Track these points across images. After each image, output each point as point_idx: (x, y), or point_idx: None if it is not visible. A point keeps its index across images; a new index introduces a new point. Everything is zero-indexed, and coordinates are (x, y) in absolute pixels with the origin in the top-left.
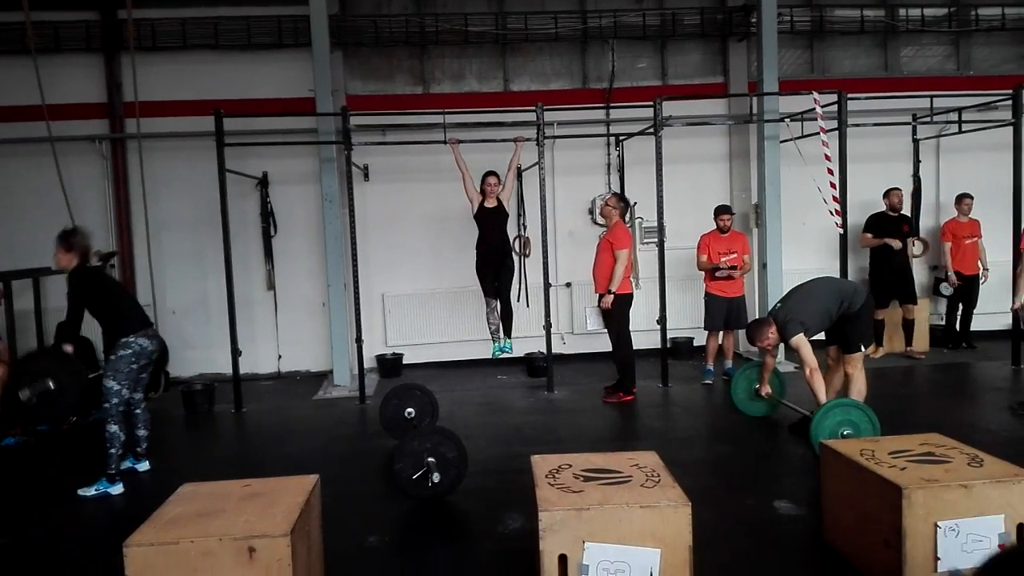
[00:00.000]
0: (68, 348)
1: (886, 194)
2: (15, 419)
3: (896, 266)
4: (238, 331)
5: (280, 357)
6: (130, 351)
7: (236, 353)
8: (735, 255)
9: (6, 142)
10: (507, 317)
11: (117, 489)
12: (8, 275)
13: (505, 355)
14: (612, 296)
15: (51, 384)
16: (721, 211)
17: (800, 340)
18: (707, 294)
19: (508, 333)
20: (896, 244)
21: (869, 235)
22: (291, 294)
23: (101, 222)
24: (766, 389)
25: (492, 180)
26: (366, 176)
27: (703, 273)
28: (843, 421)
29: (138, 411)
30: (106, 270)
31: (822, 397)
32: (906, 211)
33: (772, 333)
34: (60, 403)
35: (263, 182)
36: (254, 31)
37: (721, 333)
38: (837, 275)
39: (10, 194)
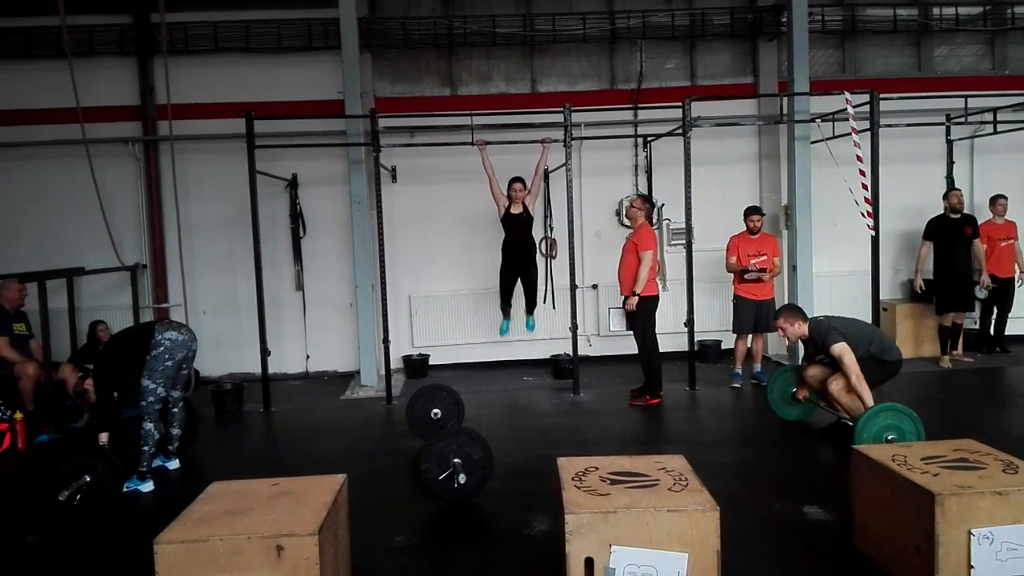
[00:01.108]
0: (103, 438)
1: (945, 195)
2: (48, 417)
3: (961, 273)
4: (267, 331)
5: (308, 357)
6: (162, 348)
7: (265, 353)
8: (765, 257)
9: (41, 144)
10: (531, 294)
11: (148, 487)
12: (43, 275)
13: (523, 336)
14: (636, 298)
15: (88, 479)
16: (751, 212)
17: (843, 348)
18: (736, 296)
19: (531, 310)
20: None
21: (928, 243)
22: (319, 295)
23: (134, 223)
24: (803, 392)
25: (518, 187)
26: (394, 178)
27: (732, 275)
28: (890, 426)
29: (175, 410)
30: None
31: (869, 401)
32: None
33: (797, 327)
34: (99, 494)
35: (292, 183)
36: (284, 34)
37: (750, 336)
38: (869, 277)
39: (45, 195)
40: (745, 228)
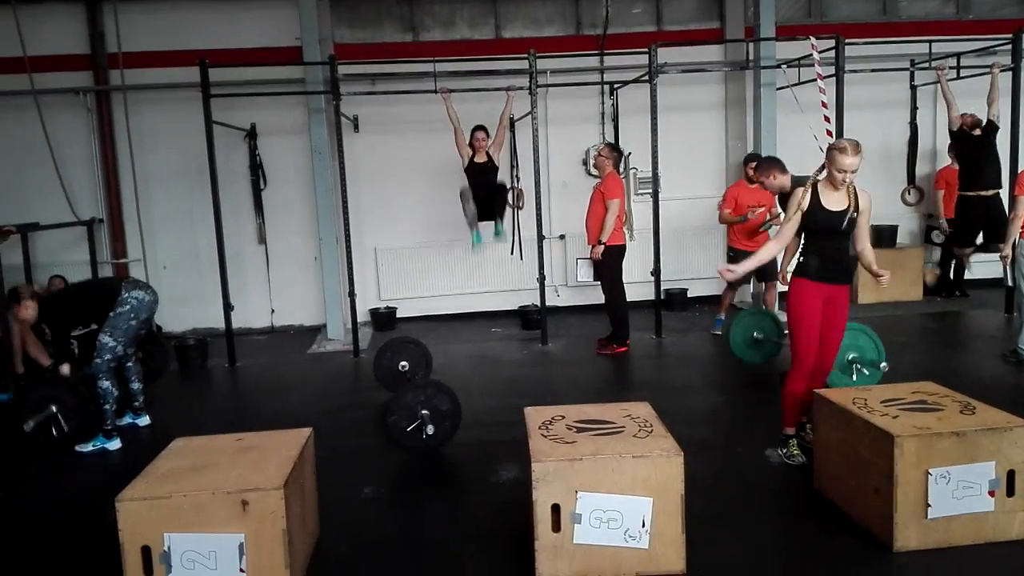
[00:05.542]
0: (65, 369)
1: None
2: (4, 377)
3: (992, 203)
4: (230, 285)
5: (273, 311)
6: (128, 307)
7: (228, 308)
8: (763, 208)
9: None
10: (501, 204)
11: (115, 444)
12: None
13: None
14: (603, 247)
15: (54, 409)
16: (751, 159)
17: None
18: (732, 249)
19: (501, 216)
20: None
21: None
22: (283, 248)
23: (88, 176)
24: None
25: (480, 135)
26: (356, 127)
27: (723, 227)
28: (849, 346)
29: (129, 364)
30: None
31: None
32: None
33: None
34: (65, 426)
35: (251, 134)
36: None
37: (750, 286)
38: None
39: None
40: (743, 176)
